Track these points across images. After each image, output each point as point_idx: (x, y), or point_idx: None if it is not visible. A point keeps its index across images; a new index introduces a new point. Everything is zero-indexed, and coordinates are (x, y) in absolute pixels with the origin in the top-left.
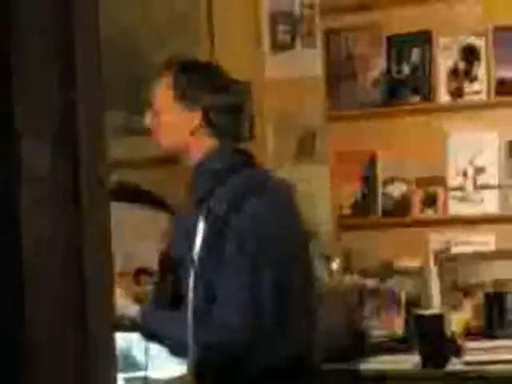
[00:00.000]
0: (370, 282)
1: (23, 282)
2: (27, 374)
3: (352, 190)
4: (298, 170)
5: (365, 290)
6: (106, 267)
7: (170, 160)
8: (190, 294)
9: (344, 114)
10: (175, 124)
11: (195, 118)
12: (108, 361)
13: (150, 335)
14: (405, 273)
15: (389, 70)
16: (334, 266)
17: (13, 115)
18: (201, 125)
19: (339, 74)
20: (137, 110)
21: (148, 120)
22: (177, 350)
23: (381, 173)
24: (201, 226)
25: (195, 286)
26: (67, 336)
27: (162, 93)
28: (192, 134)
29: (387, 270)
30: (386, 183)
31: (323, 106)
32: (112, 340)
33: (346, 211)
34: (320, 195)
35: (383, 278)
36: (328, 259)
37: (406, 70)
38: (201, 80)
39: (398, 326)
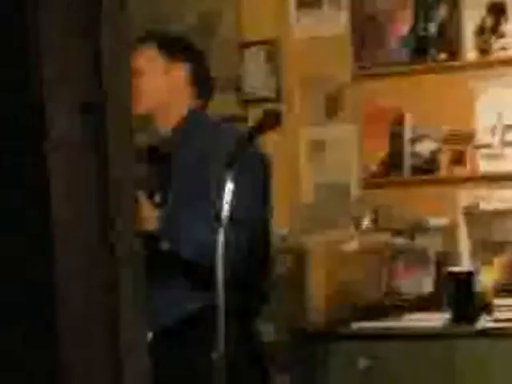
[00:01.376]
0: (400, 241)
1: (52, 234)
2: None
3: (380, 149)
4: (327, 130)
5: (394, 248)
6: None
7: None
8: None
9: (371, 73)
10: (159, 81)
11: (181, 74)
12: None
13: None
14: (434, 230)
15: (415, 28)
16: (364, 224)
17: (42, 79)
18: (186, 82)
19: (366, 33)
20: None
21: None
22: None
23: (409, 131)
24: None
25: None
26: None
27: (146, 55)
28: (177, 91)
29: (416, 228)
30: (414, 141)
31: (350, 66)
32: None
33: (375, 170)
34: (349, 154)
35: (412, 236)
36: (358, 218)
37: (433, 27)
38: (184, 41)
39: (428, 283)
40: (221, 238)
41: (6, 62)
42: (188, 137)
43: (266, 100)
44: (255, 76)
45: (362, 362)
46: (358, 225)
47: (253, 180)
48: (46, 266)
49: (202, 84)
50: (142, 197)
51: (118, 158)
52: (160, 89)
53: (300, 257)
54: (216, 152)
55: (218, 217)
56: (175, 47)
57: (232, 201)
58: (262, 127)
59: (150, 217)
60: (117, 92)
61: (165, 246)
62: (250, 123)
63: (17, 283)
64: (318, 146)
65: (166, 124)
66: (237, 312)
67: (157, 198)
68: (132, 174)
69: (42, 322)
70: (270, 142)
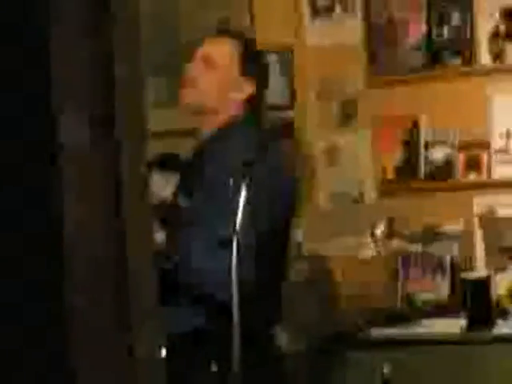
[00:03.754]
0: (415, 247)
1: (62, 228)
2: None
3: (395, 155)
4: (341, 136)
5: (409, 255)
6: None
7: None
8: None
9: (385, 79)
10: (231, 85)
11: (251, 86)
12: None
13: None
14: (449, 237)
15: (430, 34)
16: (379, 231)
17: (50, 93)
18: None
19: (380, 39)
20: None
21: (193, 71)
22: None
23: (423, 137)
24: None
25: None
26: (108, 270)
27: (223, 49)
28: (246, 100)
29: (431, 235)
30: (428, 147)
31: (365, 72)
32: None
33: (389, 176)
34: (363, 160)
35: (427, 243)
36: (372, 225)
37: (447, 33)
38: (259, 53)
39: (443, 290)
40: (233, 262)
41: (17, 73)
42: (218, 147)
43: (278, 108)
44: (269, 84)
45: (382, 370)
46: (373, 232)
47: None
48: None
49: (255, 108)
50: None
51: (131, 176)
52: (223, 96)
53: (316, 264)
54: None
55: (223, 242)
56: (252, 57)
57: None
58: (271, 138)
59: None
60: (130, 103)
61: (167, 265)
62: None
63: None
64: (332, 153)
65: (211, 129)
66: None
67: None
68: (146, 193)
69: None
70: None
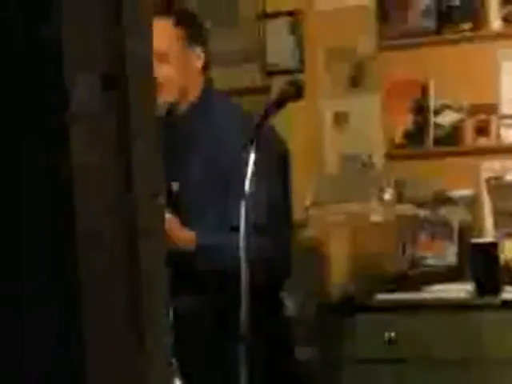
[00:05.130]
0: (423, 212)
1: (74, 222)
2: (79, 306)
3: (404, 120)
4: (351, 101)
5: (418, 220)
6: (158, 199)
7: None
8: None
9: (396, 44)
10: (182, 68)
11: (200, 57)
12: (159, 296)
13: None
14: (457, 202)
15: None
16: (387, 196)
17: (62, 52)
18: (202, 67)
19: (390, 3)
20: None
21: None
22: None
23: (433, 102)
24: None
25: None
26: (119, 272)
27: (168, 34)
28: (194, 76)
29: (440, 199)
30: (438, 112)
31: (375, 36)
32: (163, 276)
33: (399, 141)
34: (372, 125)
35: (435, 207)
36: (381, 189)
37: None
38: (199, 21)
39: (452, 254)
40: (241, 242)
41: (27, 33)
42: (205, 113)
43: (289, 71)
44: (278, 47)
45: (387, 334)
46: (381, 196)
47: (271, 177)
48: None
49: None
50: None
51: (141, 133)
52: (183, 76)
53: (324, 228)
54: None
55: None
56: (193, 29)
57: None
58: (284, 99)
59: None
60: (139, 62)
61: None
62: (273, 94)
63: None
64: (341, 118)
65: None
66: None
67: (174, 186)
68: (159, 151)
69: None
70: (293, 114)
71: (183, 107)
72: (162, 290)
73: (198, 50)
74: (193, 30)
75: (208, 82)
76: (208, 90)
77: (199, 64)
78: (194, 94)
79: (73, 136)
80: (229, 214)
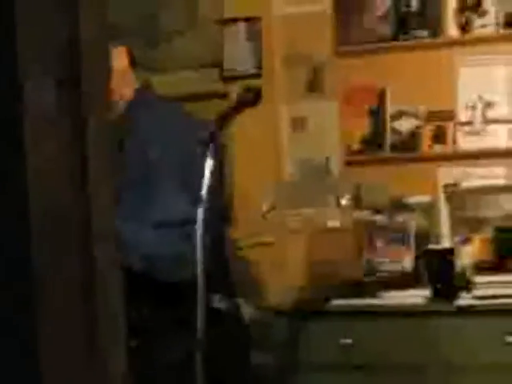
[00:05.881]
0: (380, 218)
1: (28, 211)
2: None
3: (361, 125)
4: (309, 106)
5: (374, 226)
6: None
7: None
8: None
9: (353, 49)
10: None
11: (123, 54)
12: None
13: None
14: (414, 208)
15: (397, 5)
16: (344, 201)
17: (16, 53)
18: (128, 65)
19: (347, 8)
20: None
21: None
22: None
23: (390, 108)
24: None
25: None
26: (72, 264)
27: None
28: (124, 72)
29: (397, 206)
30: (394, 118)
31: (332, 41)
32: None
33: (356, 147)
34: (330, 130)
35: (392, 213)
36: (338, 195)
37: (415, 3)
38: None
39: (408, 260)
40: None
41: None
42: (138, 120)
43: (246, 77)
44: (236, 53)
45: (343, 340)
46: (338, 202)
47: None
48: None
49: (135, 63)
50: None
51: (96, 135)
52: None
53: (280, 234)
54: (179, 138)
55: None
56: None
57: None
58: (241, 104)
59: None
60: (93, 67)
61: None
62: (230, 99)
63: None
64: (298, 123)
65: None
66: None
67: None
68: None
69: None
70: (250, 119)
71: (120, 106)
72: (117, 291)
73: (122, 49)
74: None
75: (144, 82)
76: (142, 89)
77: (122, 62)
78: (127, 93)
79: (25, 133)
80: (152, 208)
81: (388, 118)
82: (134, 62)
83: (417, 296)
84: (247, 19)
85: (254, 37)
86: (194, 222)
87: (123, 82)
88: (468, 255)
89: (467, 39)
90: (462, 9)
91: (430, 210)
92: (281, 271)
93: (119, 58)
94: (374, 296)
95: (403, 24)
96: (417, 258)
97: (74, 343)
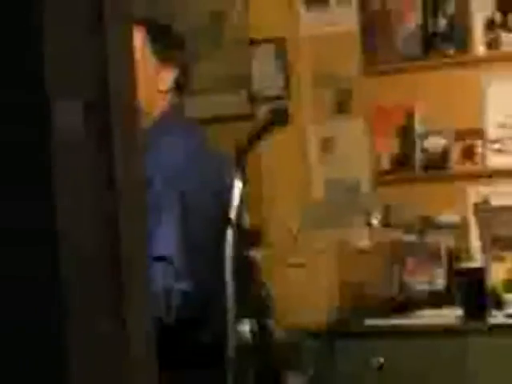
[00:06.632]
0: (411, 237)
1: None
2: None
3: (390, 145)
4: (337, 126)
5: (405, 245)
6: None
7: None
8: None
9: (381, 68)
10: (151, 80)
11: (169, 75)
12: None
13: None
14: (444, 226)
15: (425, 24)
16: (374, 221)
17: (43, 77)
18: (170, 86)
19: (375, 28)
20: None
21: None
22: None
23: (419, 126)
24: None
25: None
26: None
27: (139, 47)
28: (165, 92)
29: (427, 225)
30: (424, 137)
31: (359, 61)
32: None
33: (385, 166)
34: (358, 151)
35: (423, 233)
36: (368, 215)
37: (442, 22)
38: (171, 39)
39: (440, 280)
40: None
41: (9, 62)
42: (157, 137)
43: (274, 98)
44: (264, 74)
45: (376, 360)
46: (369, 222)
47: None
48: None
49: (181, 88)
50: None
51: (125, 158)
52: (148, 86)
53: (311, 255)
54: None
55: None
56: (168, 44)
57: None
58: (269, 125)
59: None
60: (122, 90)
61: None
62: (258, 120)
63: None
64: (328, 143)
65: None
66: None
67: None
68: (142, 177)
69: None
70: (279, 140)
71: (148, 122)
72: (143, 272)
73: (171, 69)
74: (168, 45)
75: (175, 107)
76: (167, 113)
77: (168, 80)
78: (153, 114)
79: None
80: (153, 241)
81: (417, 138)
82: (179, 89)
83: (449, 315)
84: (274, 40)
85: (281, 58)
86: None
87: (153, 103)
88: (499, 273)
89: (495, 56)
90: (490, 26)
91: (460, 228)
92: (312, 292)
93: (159, 80)
94: (405, 316)
95: (431, 42)
96: (449, 276)
97: None
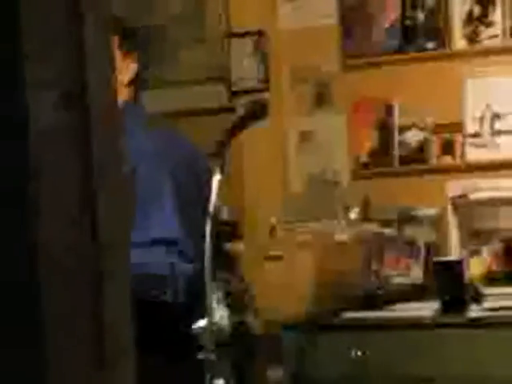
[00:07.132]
0: (389, 231)
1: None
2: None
3: (369, 138)
4: (316, 119)
5: (383, 238)
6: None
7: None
8: None
9: (359, 62)
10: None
11: (133, 68)
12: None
13: None
14: (423, 220)
15: (403, 17)
16: (353, 214)
17: (17, 63)
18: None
19: (353, 22)
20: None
21: None
22: None
23: (397, 120)
24: None
25: None
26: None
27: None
28: (130, 85)
29: (406, 218)
30: (402, 131)
31: (339, 54)
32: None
33: (364, 160)
34: (337, 144)
35: (401, 226)
36: (346, 208)
37: (421, 15)
38: (133, 31)
39: (418, 273)
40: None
41: None
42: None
43: (253, 90)
44: (242, 66)
45: (354, 353)
46: (347, 215)
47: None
48: None
49: (136, 84)
50: None
51: (103, 150)
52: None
53: (288, 247)
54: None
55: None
56: (132, 41)
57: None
58: (248, 118)
59: None
60: (100, 81)
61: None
62: (237, 113)
63: None
64: (306, 136)
65: None
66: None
67: None
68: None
69: None
70: (258, 133)
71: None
72: (128, 329)
73: (132, 64)
74: (132, 43)
75: (134, 98)
76: (130, 106)
77: (126, 77)
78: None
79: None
80: (149, 225)
81: (396, 131)
82: (135, 82)
83: (426, 308)
84: (254, 33)
85: (261, 50)
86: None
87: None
88: (477, 267)
89: (474, 50)
90: (469, 20)
91: (438, 222)
92: (291, 285)
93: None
94: (383, 309)
95: (410, 36)
96: (427, 270)
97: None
